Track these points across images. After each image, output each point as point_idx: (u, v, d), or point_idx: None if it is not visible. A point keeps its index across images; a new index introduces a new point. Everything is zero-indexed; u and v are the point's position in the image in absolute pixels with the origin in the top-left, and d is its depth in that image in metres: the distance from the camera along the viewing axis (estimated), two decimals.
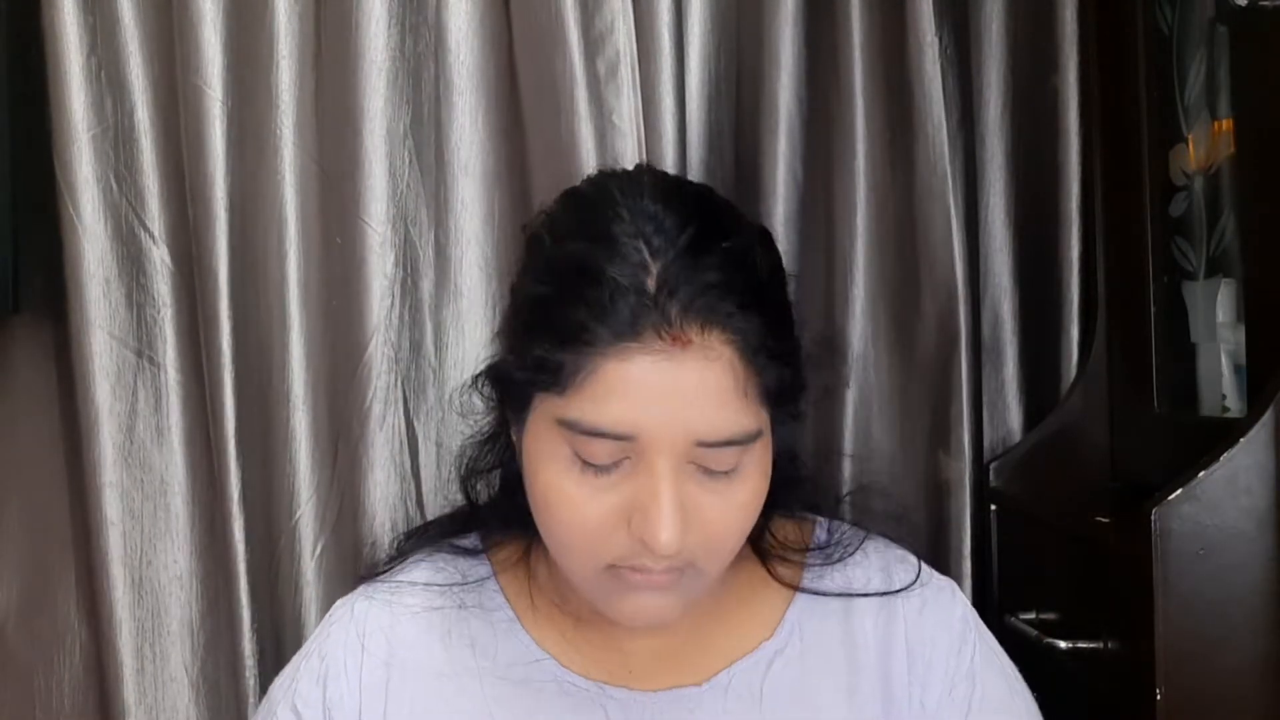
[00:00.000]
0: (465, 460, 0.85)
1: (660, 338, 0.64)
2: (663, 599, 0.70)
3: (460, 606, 0.79)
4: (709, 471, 0.67)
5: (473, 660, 0.77)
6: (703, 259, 0.66)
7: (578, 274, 0.66)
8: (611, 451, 0.66)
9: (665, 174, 0.87)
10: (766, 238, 0.75)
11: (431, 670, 0.77)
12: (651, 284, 0.65)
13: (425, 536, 0.87)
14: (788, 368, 0.69)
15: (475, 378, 0.79)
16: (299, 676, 0.79)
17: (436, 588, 0.80)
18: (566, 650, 0.77)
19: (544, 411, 0.68)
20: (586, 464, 0.67)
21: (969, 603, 0.84)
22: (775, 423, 0.71)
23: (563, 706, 0.75)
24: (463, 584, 0.80)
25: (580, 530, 0.68)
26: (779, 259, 0.74)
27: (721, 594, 0.78)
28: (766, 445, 0.71)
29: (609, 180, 0.75)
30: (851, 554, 0.81)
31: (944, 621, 0.79)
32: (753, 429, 0.67)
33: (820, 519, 0.85)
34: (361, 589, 0.82)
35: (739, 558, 0.77)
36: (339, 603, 0.83)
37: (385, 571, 0.83)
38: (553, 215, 0.74)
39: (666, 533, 0.65)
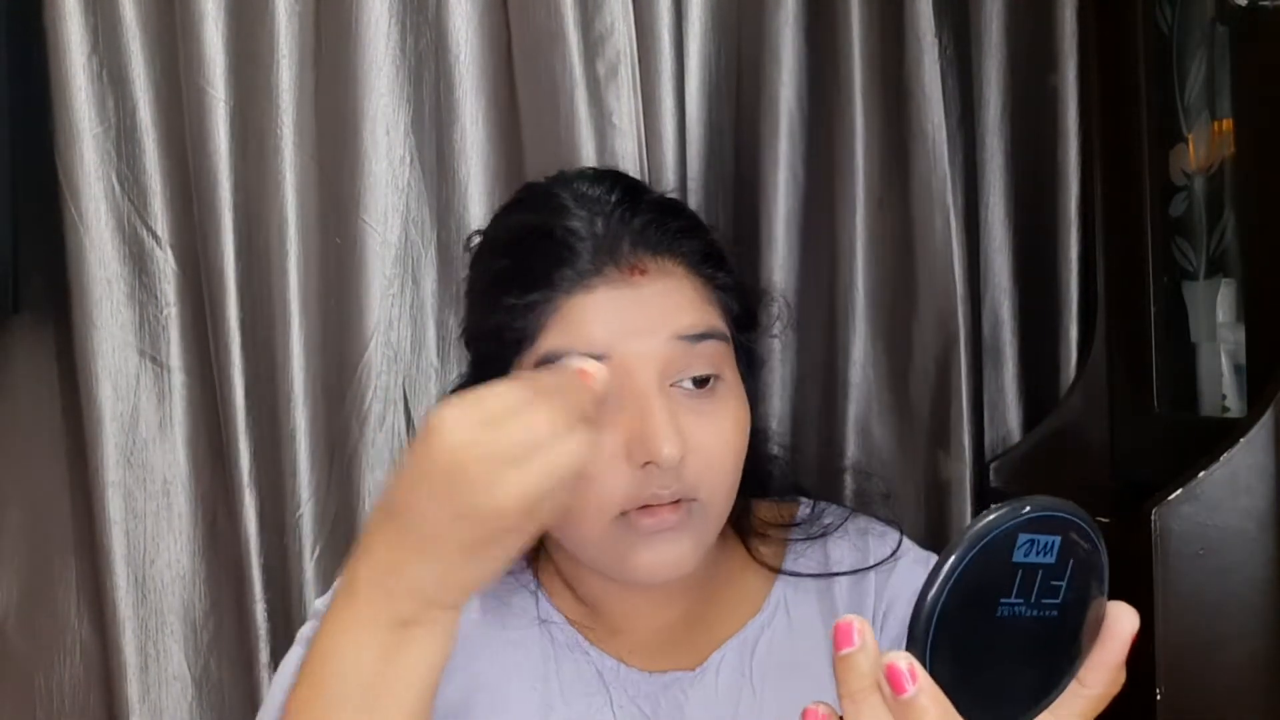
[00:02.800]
0: None
1: (619, 270, 0.71)
2: (676, 546, 0.71)
3: None
4: (691, 392, 0.71)
5: (498, 611, 0.79)
6: (637, 207, 0.74)
7: (532, 236, 0.74)
8: None
9: (580, 167, 0.95)
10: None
11: (467, 619, 0.78)
12: (600, 229, 0.72)
13: None
14: (735, 286, 0.77)
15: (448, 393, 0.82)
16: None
17: None
18: (578, 623, 0.80)
19: (520, 374, 0.72)
20: None
21: None
22: (741, 350, 0.77)
23: (573, 668, 0.78)
24: None
25: (586, 482, 0.69)
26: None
27: (709, 576, 0.80)
28: (736, 376, 0.76)
29: (532, 184, 0.83)
30: (833, 531, 0.83)
31: (908, 579, 0.81)
32: (720, 327, 0.73)
33: (804, 500, 0.87)
34: None
35: (723, 540, 0.79)
36: None
37: None
38: (493, 219, 0.83)
39: (667, 444, 0.68)
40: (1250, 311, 0.81)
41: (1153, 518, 0.72)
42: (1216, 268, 0.89)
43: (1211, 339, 0.90)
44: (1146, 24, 0.95)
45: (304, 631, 0.77)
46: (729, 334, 0.75)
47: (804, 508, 0.86)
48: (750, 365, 0.81)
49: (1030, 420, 1.08)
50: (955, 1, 1.06)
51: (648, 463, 0.68)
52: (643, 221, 0.73)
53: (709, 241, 0.77)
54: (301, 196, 1.03)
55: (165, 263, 1.06)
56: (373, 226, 1.04)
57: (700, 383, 0.72)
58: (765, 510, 0.85)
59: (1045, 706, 0.48)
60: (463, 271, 1.05)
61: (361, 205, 1.04)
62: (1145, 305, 0.94)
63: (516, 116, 1.05)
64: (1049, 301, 1.07)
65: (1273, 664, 0.72)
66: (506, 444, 0.57)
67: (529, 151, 1.04)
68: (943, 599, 0.45)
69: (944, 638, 0.45)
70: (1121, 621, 0.49)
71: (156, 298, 1.06)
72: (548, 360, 0.70)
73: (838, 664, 0.46)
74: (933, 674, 0.45)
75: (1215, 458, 0.72)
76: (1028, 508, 0.46)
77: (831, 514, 0.85)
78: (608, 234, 0.72)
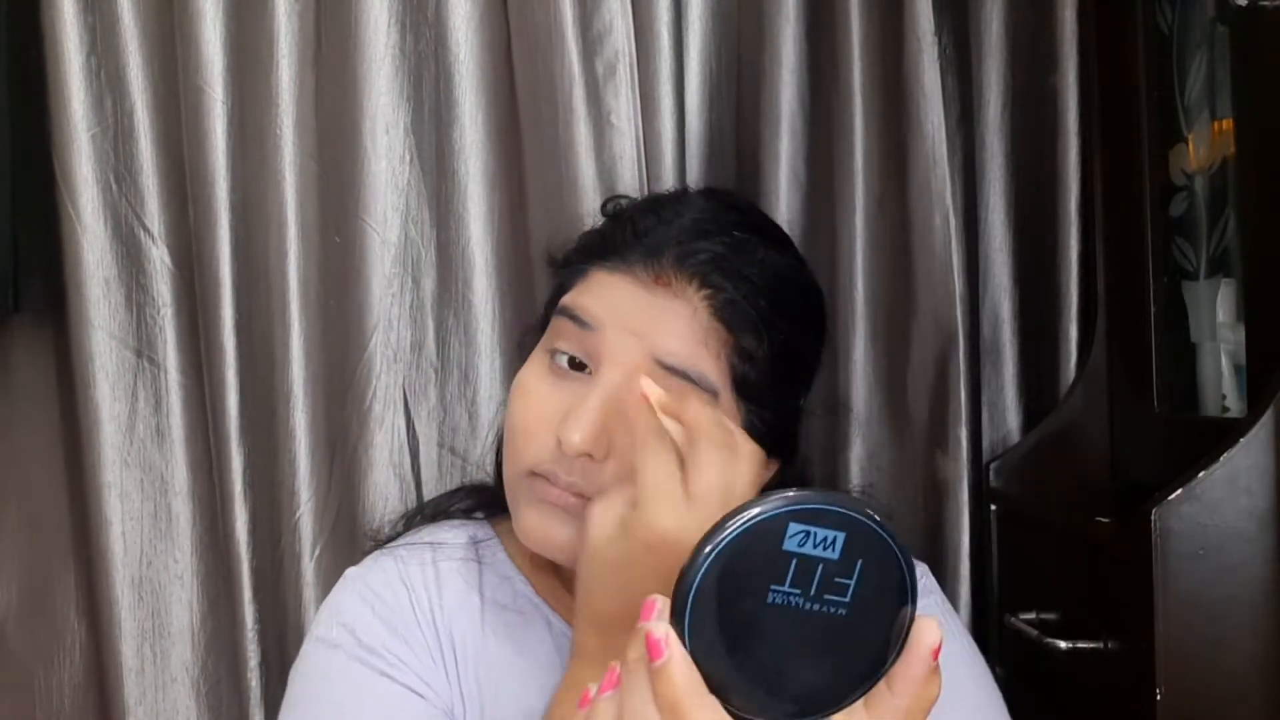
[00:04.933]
0: (500, 429, 0.89)
1: (646, 271, 0.74)
2: (559, 526, 0.72)
3: (477, 561, 0.82)
4: None
5: (497, 602, 0.80)
6: (713, 236, 0.75)
7: (615, 219, 0.81)
8: (577, 339, 0.73)
9: (738, 194, 0.96)
10: (800, 269, 0.82)
11: (468, 610, 0.79)
12: (661, 236, 0.75)
13: (433, 512, 0.89)
14: (760, 353, 0.74)
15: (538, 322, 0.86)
16: (354, 627, 0.76)
17: (453, 548, 0.82)
18: (564, 612, 0.80)
19: (551, 322, 0.77)
20: (555, 363, 0.74)
21: (938, 588, 0.86)
22: (746, 426, 0.74)
23: (558, 655, 0.78)
24: (473, 544, 0.83)
25: (521, 424, 0.74)
26: (803, 290, 0.80)
27: None
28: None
29: (685, 187, 0.93)
30: None
31: None
32: (709, 377, 0.72)
33: None
34: (381, 553, 0.83)
35: None
36: (351, 570, 0.82)
37: (393, 540, 0.85)
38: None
39: (576, 431, 0.69)
40: (1250, 311, 0.81)
41: (1153, 518, 0.71)
42: (1216, 268, 0.89)
43: (1211, 339, 0.90)
44: (1146, 24, 0.94)
45: (308, 668, 0.76)
46: (722, 393, 0.73)
47: None
48: (760, 440, 0.75)
49: (1030, 420, 1.08)
50: (955, 1, 1.06)
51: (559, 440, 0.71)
52: (704, 247, 0.74)
53: (754, 299, 0.73)
54: (301, 196, 1.03)
55: (162, 263, 1.06)
56: (372, 226, 1.04)
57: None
58: None
59: (844, 706, 0.48)
60: (462, 270, 1.07)
61: (361, 204, 1.04)
62: (1145, 305, 0.94)
63: (516, 115, 1.05)
64: (1049, 301, 1.07)
65: (1273, 664, 0.72)
66: (719, 508, 0.58)
67: (528, 150, 1.04)
68: (701, 575, 0.45)
69: (708, 615, 0.46)
70: (924, 634, 0.49)
71: (154, 298, 1.06)
72: (560, 311, 0.76)
73: (632, 633, 0.48)
74: (697, 649, 0.46)
75: (1215, 458, 0.72)
76: (798, 497, 0.46)
77: None
78: (663, 240, 0.74)
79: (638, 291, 0.73)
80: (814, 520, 0.46)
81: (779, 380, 0.76)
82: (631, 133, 1.02)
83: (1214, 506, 0.72)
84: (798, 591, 0.46)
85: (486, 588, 0.80)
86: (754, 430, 0.75)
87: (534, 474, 0.73)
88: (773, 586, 0.46)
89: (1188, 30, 0.92)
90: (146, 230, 1.05)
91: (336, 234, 1.05)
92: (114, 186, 1.05)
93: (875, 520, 0.46)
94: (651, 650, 0.46)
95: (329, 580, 1.02)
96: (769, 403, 0.75)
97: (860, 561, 0.46)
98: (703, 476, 0.63)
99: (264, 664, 1.03)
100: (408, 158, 1.06)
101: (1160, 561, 0.71)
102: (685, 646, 0.46)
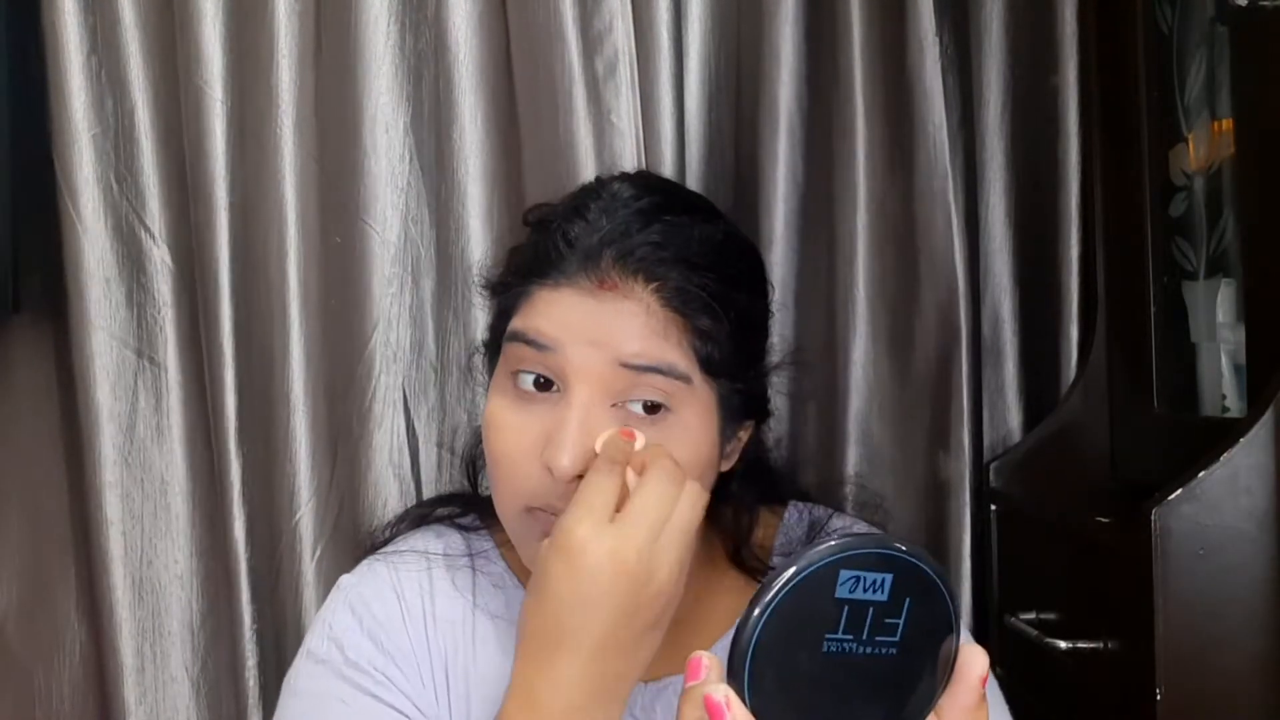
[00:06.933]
0: (468, 444, 0.91)
1: (588, 279, 0.72)
2: None
3: (473, 570, 0.82)
4: (638, 416, 0.72)
5: (488, 611, 0.80)
6: (647, 225, 0.74)
7: (541, 229, 0.78)
8: (538, 360, 0.72)
9: (651, 172, 0.97)
10: (732, 233, 0.81)
11: (459, 620, 0.79)
12: (594, 239, 0.73)
13: (418, 516, 0.89)
14: (719, 332, 0.73)
15: (483, 345, 0.87)
16: (342, 643, 0.77)
17: (449, 556, 0.82)
18: None
19: (504, 349, 0.76)
20: (520, 389, 0.73)
21: None
22: (724, 397, 0.75)
23: None
24: (470, 554, 0.83)
25: (506, 462, 0.73)
26: (741, 254, 0.80)
27: (694, 580, 0.78)
28: (702, 417, 0.74)
29: (599, 177, 0.86)
30: (816, 532, 0.84)
31: None
32: (678, 365, 0.72)
33: (796, 504, 0.87)
34: (374, 558, 0.83)
35: (708, 543, 0.79)
36: (345, 578, 0.82)
37: (386, 543, 0.85)
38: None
39: (564, 455, 0.69)
40: (1250, 311, 0.81)
41: (1153, 518, 0.71)
42: (1216, 268, 0.89)
43: (1211, 339, 0.90)
44: (1146, 24, 0.94)
45: (297, 683, 0.77)
46: (693, 377, 0.73)
47: (794, 513, 0.87)
48: (734, 415, 0.77)
49: (1030, 420, 1.08)
50: (956, 1, 1.06)
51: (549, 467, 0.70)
52: (639, 241, 0.73)
53: (701, 281, 0.73)
54: (301, 196, 1.03)
55: (163, 262, 1.06)
56: (372, 226, 1.04)
57: (650, 409, 0.72)
58: (758, 529, 0.85)
59: None
60: (462, 270, 1.06)
61: (361, 204, 1.04)
62: (1145, 305, 0.94)
63: (515, 115, 1.05)
64: (1049, 301, 1.07)
65: (1273, 664, 0.72)
66: (645, 528, 0.63)
67: (528, 150, 1.04)
68: (758, 633, 0.46)
69: (766, 671, 0.46)
70: (972, 664, 0.50)
71: (154, 298, 1.06)
72: (512, 337, 0.74)
73: (683, 694, 0.48)
74: (758, 707, 0.46)
75: (1215, 458, 0.72)
76: (845, 544, 0.46)
77: (819, 516, 0.87)
78: (598, 242, 0.73)
79: (586, 301, 0.72)
80: (863, 565, 0.46)
81: (742, 349, 0.76)
82: (631, 132, 1.02)
83: (1214, 506, 0.72)
84: (850, 637, 0.47)
85: (480, 597, 0.80)
86: (730, 403, 0.76)
87: (531, 509, 0.72)
88: (827, 635, 0.46)
89: (1188, 30, 0.92)
90: (147, 230, 1.06)
91: (336, 234, 1.05)
92: (114, 186, 1.05)
93: (919, 557, 0.47)
94: (713, 713, 0.46)
95: (330, 581, 1.01)
96: (738, 374, 0.76)
97: (908, 599, 0.47)
98: (637, 501, 0.65)
99: (262, 664, 1.03)
100: (407, 157, 1.06)
101: (1160, 561, 0.71)
102: (745, 705, 0.46)
